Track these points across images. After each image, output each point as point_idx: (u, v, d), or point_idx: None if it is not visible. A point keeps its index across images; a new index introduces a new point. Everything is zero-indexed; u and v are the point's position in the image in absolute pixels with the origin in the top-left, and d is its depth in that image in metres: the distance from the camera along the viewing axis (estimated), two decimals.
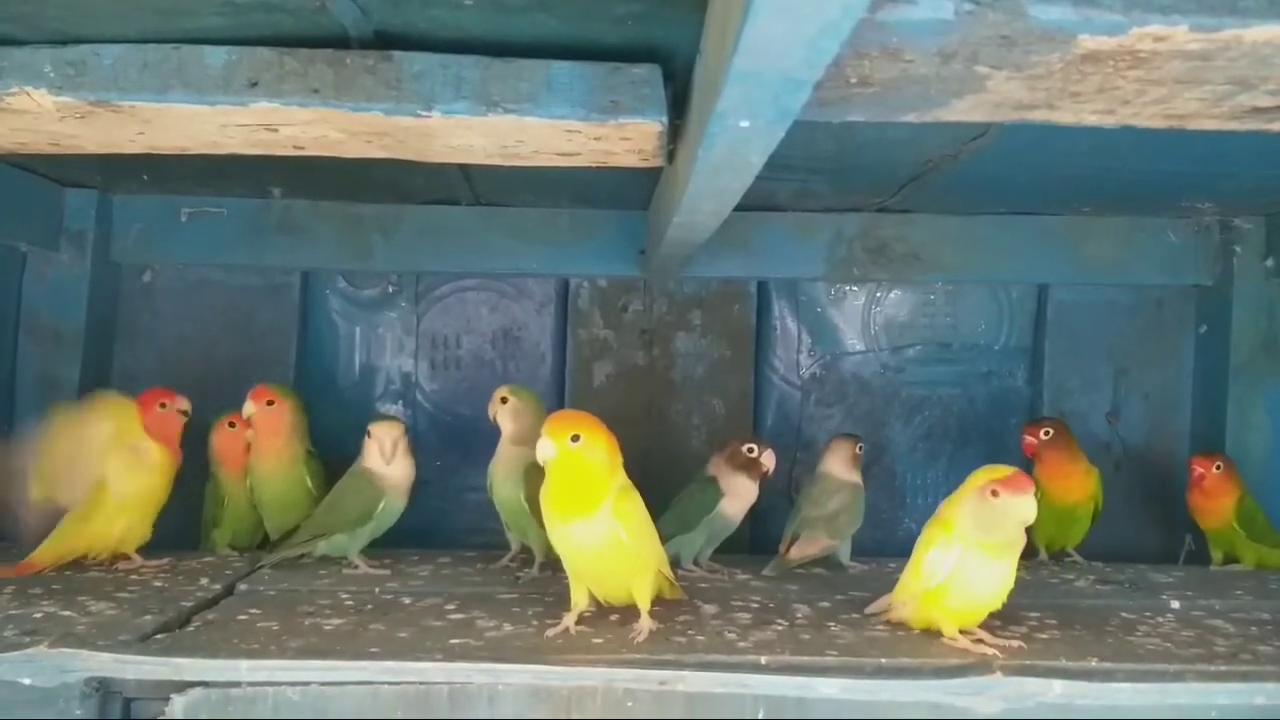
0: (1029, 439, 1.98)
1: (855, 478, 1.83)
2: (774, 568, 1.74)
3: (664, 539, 1.57)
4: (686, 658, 1.21)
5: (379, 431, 1.74)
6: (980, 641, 1.30)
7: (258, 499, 1.85)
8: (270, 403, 1.83)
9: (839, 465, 1.84)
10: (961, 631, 1.32)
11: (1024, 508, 1.29)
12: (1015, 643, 1.30)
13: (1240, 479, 1.93)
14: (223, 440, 1.91)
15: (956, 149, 1.61)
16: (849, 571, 1.79)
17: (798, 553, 1.75)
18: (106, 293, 2.16)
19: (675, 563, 1.73)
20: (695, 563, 1.77)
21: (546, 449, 1.31)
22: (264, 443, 1.83)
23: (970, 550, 1.31)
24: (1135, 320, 2.26)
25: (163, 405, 1.73)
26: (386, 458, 1.72)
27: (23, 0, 1.15)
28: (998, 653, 1.27)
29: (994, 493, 1.30)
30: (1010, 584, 1.33)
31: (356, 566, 1.68)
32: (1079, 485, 1.95)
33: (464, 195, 2.08)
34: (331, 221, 2.16)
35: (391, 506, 1.72)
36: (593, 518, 1.31)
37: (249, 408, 1.81)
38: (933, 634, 1.34)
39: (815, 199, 2.07)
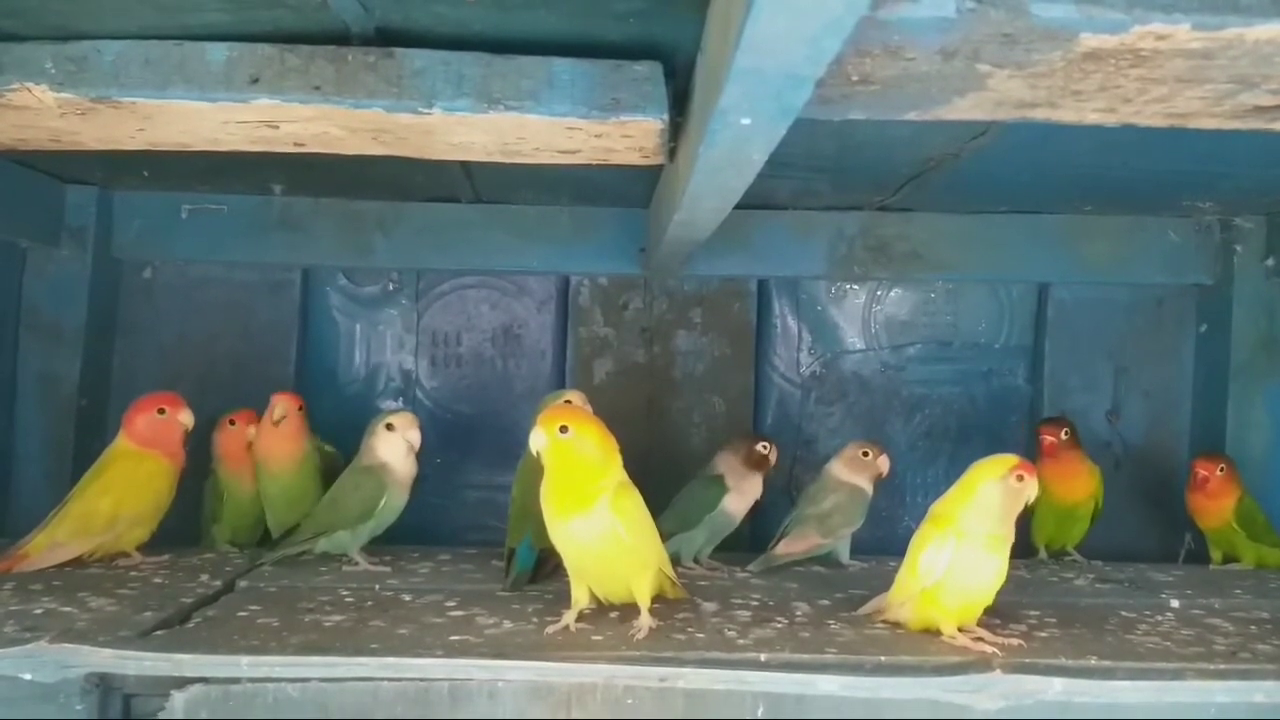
0: (1049, 438, 1.95)
1: (858, 480, 1.82)
2: (760, 563, 1.74)
3: (664, 537, 1.57)
4: (686, 655, 1.21)
5: (403, 423, 1.73)
6: (980, 640, 1.30)
7: (266, 496, 1.85)
8: (301, 408, 1.83)
9: (842, 466, 1.84)
10: (960, 629, 1.33)
11: (1033, 489, 1.34)
12: (1015, 640, 1.31)
13: (1240, 479, 1.93)
14: (224, 438, 1.91)
15: (958, 147, 1.61)
16: (848, 570, 1.79)
17: (784, 549, 1.75)
18: (107, 289, 2.15)
19: (675, 560, 1.73)
20: (695, 560, 1.77)
21: (537, 439, 1.32)
22: (287, 444, 1.82)
23: (965, 545, 1.32)
24: (1135, 319, 2.26)
25: (161, 411, 1.72)
26: (416, 446, 1.72)
27: None
28: (998, 650, 1.27)
29: (1019, 478, 1.33)
30: (1003, 578, 1.34)
31: (357, 563, 1.68)
32: (1083, 484, 1.95)
33: (465, 192, 2.08)
34: (332, 218, 2.16)
35: (394, 502, 1.71)
36: (590, 512, 1.31)
37: (280, 410, 1.80)
38: (931, 634, 1.34)
39: (816, 197, 2.07)
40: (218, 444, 1.92)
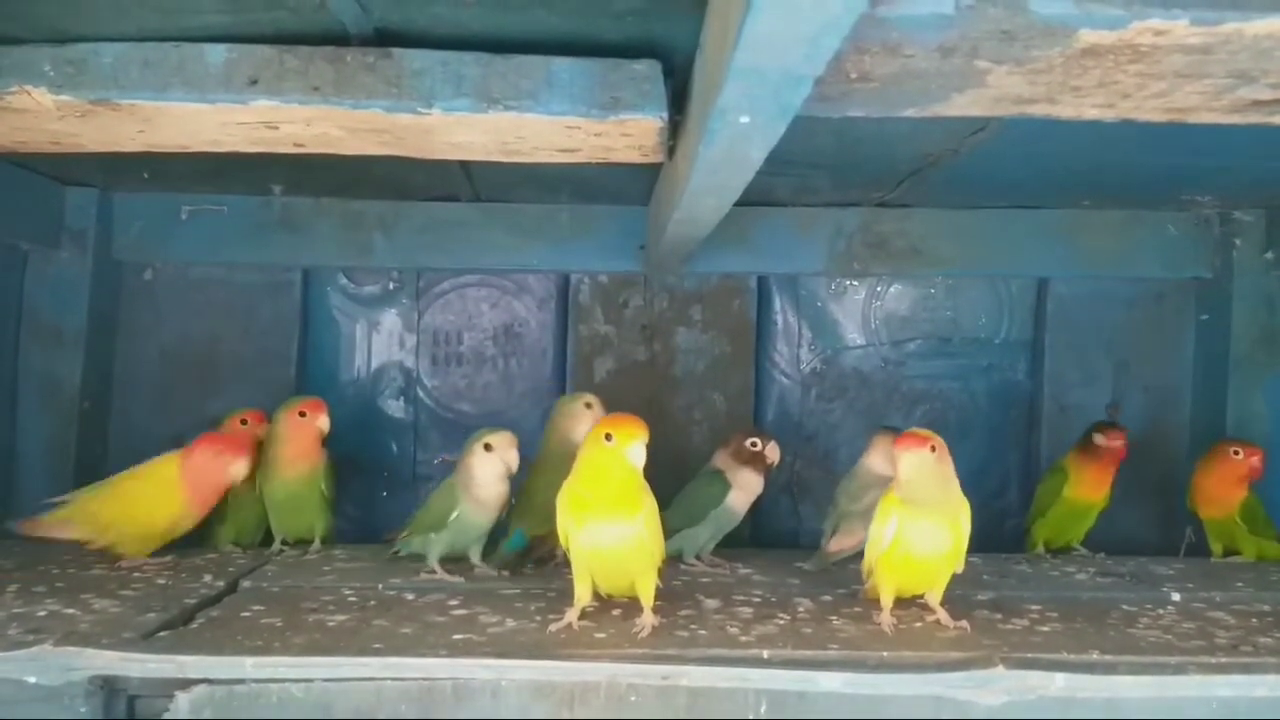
0: (1117, 444, 1.94)
1: (889, 472, 1.80)
2: (815, 562, 1.73)
3: (669, 533, 1.57)
4: (689, 652, 1.22)
5: (501, 444, 1.64)
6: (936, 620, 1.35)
7: (272, 501, 1.83)
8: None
9: (877, 460, 1.83)
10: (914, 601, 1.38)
11: (901, 465, 1.35)
12: (960, 622, 1.34)
13: None
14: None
15: (957, 143, 1.61)
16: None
17: (836, 546, 1.74)
18: (108, 291, 2.16)
19: (678, 557, 1.73)
20: (697, 557, 1.78)
21: (641, 454, 1.29)
22: (312, 451, 1.81)
23: (906, 516, 1.36)
24: (1135, 313, 2.26)
25: (219, 453, 1.68)
26: (514, 469, 1.64)
27: None
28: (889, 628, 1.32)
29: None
30: (943, 551, 1.36)
31: (434, 571, 1.63)
32: (1105, 485, 1.96)
33: (464, 191, 2.08)
34: (332, 218, 2.16)
35: (471, 519, 1.64)
36: (633, 519, 1.32)
37: (326, 421, 1.79)
38: (926, 631, 1.35)
39: (815, 194, 2.07)
40: None
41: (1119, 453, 1.95)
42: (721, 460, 1.82)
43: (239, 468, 1.68)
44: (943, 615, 1.36)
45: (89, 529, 1.63)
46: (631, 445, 1.29)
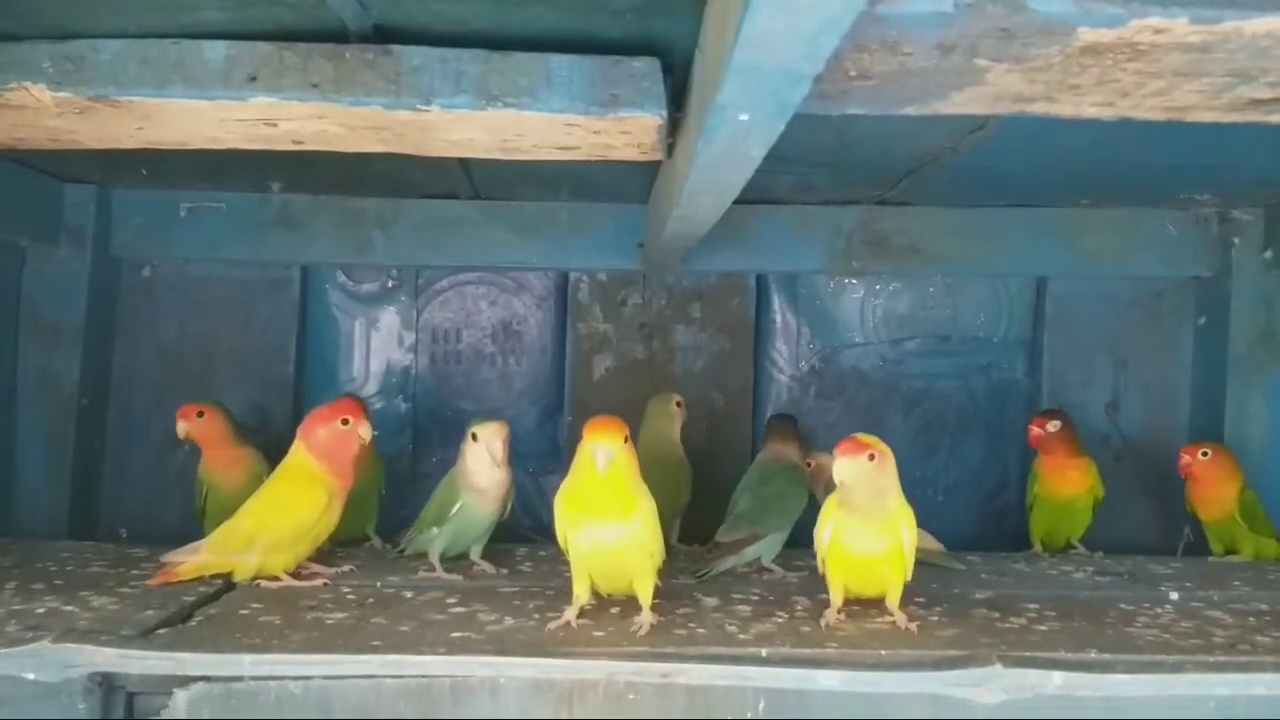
0: (1035, 430, 1.96)
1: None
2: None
3: (755, 540, 1.61)
4: (687, 650, 1.22)
5: (487, 434, 1.62)
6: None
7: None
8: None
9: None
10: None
11: (837, 469, 1.34)
12: (913, 625, 1.33)
13: (1241, 470, 1.93)
14: (198, 430, 1.85)
15: (956, 141, 1.61)
16: None
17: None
18: (106, 288, 2.16)
19: (755, 563, 1.68)
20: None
21: (608, 452, 1.28)
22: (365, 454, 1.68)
23: (841, 520, 1.36)
24: (1134, 312, 2.26)
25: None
26: (498, 458, 1.61)
27: None
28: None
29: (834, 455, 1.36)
30: (878, 554, 1.35)
31: (433, 568, 1.62)
32: (1076, 478, 1.95)
33: (463, 189, 2.08)
34: (331, 216, 2.16)
35: (473, 513, 1.63)
36: (629, 520, 1.32)
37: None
38: (925, 629, 1.35)
39: (814, 192, 2.07)
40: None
41: (1036, 439, 1.96)
42: (782, 452, 1.79)
43: (366, 427, 1.58)
44: (899, 617, 1.35)
45: (235, 557, 1.50)
46: (596, 448, 1.29)
